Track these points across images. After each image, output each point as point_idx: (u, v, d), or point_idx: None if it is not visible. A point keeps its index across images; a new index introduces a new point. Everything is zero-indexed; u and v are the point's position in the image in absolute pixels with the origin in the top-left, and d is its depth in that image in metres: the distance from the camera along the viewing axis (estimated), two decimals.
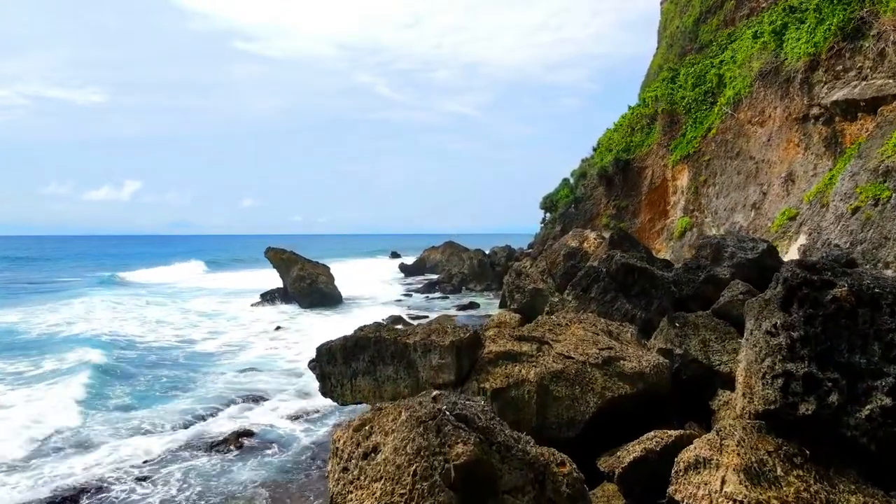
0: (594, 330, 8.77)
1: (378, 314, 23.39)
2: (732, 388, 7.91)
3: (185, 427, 10.16)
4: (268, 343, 18.40)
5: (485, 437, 4.53)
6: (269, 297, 30.27)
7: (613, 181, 31.45)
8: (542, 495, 4.61)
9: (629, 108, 35.71)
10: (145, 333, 20.93)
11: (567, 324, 8.89)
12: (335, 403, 9.64)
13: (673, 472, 5.94)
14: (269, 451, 9.01)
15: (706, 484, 5.50)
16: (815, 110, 18.06)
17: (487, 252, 41.94)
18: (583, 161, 39.09)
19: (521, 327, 9.07)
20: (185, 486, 7.83)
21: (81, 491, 7.66)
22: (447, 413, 4.52)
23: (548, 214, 40.11)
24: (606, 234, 25.63)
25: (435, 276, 42.87)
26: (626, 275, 10.44)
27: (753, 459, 5.62)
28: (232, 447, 9.26)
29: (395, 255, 74.45)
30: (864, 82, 16.63)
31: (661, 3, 46.02)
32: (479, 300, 29.16)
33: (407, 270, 51.02)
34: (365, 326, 9.41)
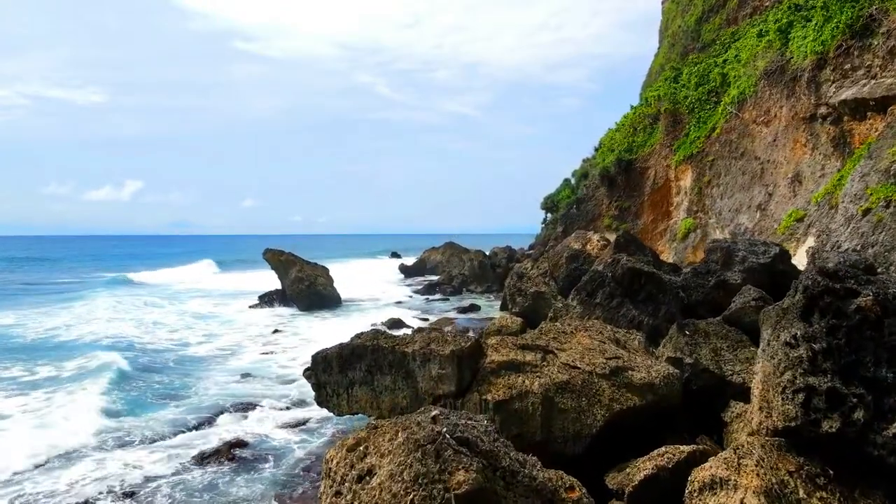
0: (601, 338, 8.42)
1: (377, 317, 23.06)
2: (745, 400, 7.58)
3: (175, 437, 9.80)
4: (264, 347, 18.04)
5: (488, 462, 4.18)
6: (267, 299, 29.92)
7: (615, 181, 31.10)
8: None
9: (631, 107, 35.38)
10: (142, 335, 20.64)
11: (572, 331, 8.54)
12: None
13: (686, 492, 5.60)
14: (262, 465, 8.65)
15: None
16: (822, 110, 17.70)
17: (488, 253, 41.60)
18: (584, 161, 38.76)
19: (524, 335, 8.72)
20: (173, 502, 7.48)
21: None
22: (447, 436, 4.17)
23: (549, 215, 39.78)
24: (610, 236, 25.29)
25: (435, 278, 42.53)
26: (633, 279, 10.10)
27: (774, 481, 5.28)
28: (224, 459, 8.92)
29: (395, 255, 74.12)
30: (873, 81, 16.28)
31: (663, 3, 45.68)
32: (479, 302, 28.82)
33: (407, 271, 50.67)
34: (362, 333, 9.07)
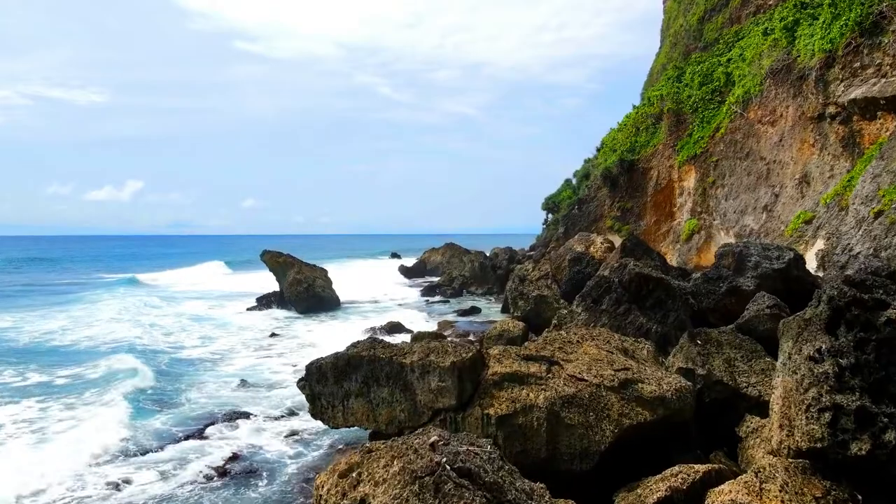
0: (608, 347, 8.05)
1: (376, 320, 22.65)
2: (761, 413, 7.20)
3: (163, 450, 9.39)
4: (260, 352, 17.62)
5: (492, 495, 3.80)
6: (265, 302, 29.51)
7: (618, 182, 30.72)
8: None
9: (634, 107, 34.99)
10: (142, 336, 20.31)
11: (578, 340, 8.15)
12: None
13: None
14: (254, 480, 8.24)
15: None
16: (831, 109, 17.33)
17: (488, 254, 41.20)
18: (586, 161, 38.37)
19: (528, 345, 8.33)
20: None
21: None
22: (447, 467, 3.79)
23: (550, 215, 39.40)
24: (612, 238, 24.90)
25: (435, 279, 42.12)
26: (641, 285, 9.70)
27: None
28: (214, 473, 8.52)
29: (395, 255, 73.73)
30: (883, 80, 15.90)
31: (664, 2, 45.32)
32: (480, 304, 28.42)
33: (407, 273, 50.26)
34: (358, 342, 8.69)
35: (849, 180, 15.43)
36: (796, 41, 20.03)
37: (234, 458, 9.13)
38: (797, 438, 5.37)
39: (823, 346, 5.40)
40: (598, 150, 37.46)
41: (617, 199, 31.04)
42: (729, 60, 26.42)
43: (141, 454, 9.29)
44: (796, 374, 5.58)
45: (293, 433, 10.21)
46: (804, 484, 5.12)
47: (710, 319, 9.34)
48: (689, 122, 27.33)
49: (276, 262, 29.32)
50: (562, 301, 16.78)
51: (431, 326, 20.85)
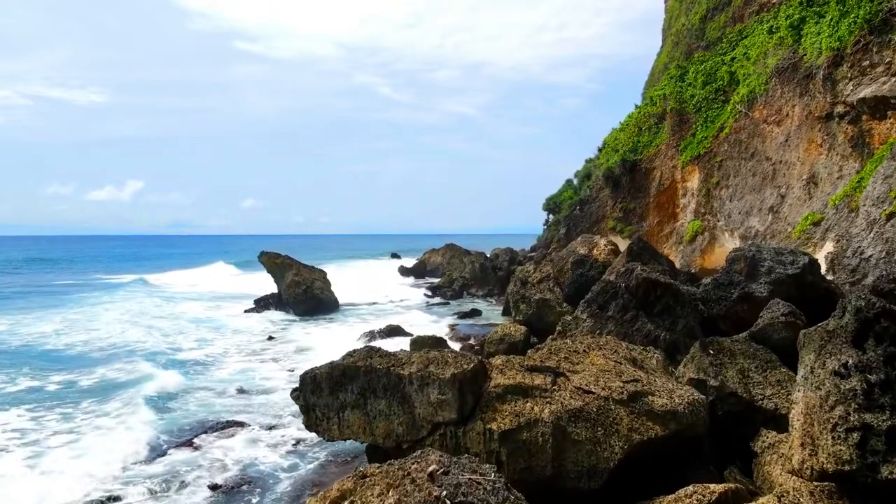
0: (616, 357, 7.69)
1: (375, 323, 22.29)
2: (777, 428, 6.84)
3: (152, 462, 9.02)
4: (256, 356, 17.26)
5: None
6: (262, 304, 29.16)
7: (620, 182, 30.36)
8: None
9: (636, 107, 34.63)
10: (144, 338, 19.99)
11: (585, 350, 7.80)
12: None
13: None
14: (247, 496, 7.88)
15: None
16: (839, 108, 16.95)
17: (488, 254, 40.83)
18: (587, 161, 38.00)
19: (532, 355, 7.97)
20: None
21: None
22: (447, 501, 3.42)
23: (551, 216, 39.01)
24: (615, 239, 24.55)
25: (435, 280, 41.75)
26: (648, 291, 9.34)
27: None
28: (205, 487, 8.17)
29: (395, 256, 73.39)
30: (893, 78, 15.53)
31: (666, 2, 44.95)
32: (480, 306, 28.08)
33: (407, 273, 49.94)
34: (355, 351, 8.32)
35: (858, 181, 15.06)
36: (803, 39, 19.66)
37: (226, 469, 8.78)
38: (822, 459, 5.02)
39: (850, 361, 5.05)
40: (600, 150, 37.09)
41: (619, 199, 30.68)
42: (733, 59, 26.05)
43: (122, 467, 8.87)
44: (820, 389, 5.23)
45: (288, 444, 9.86)
46: None
47: (721, 327, 8.99)
48: (693, 121, 26.96)
49: (274, 263, 28.96)
50: (564, 305, 16.42)
51: (431, 329, 20.49)
